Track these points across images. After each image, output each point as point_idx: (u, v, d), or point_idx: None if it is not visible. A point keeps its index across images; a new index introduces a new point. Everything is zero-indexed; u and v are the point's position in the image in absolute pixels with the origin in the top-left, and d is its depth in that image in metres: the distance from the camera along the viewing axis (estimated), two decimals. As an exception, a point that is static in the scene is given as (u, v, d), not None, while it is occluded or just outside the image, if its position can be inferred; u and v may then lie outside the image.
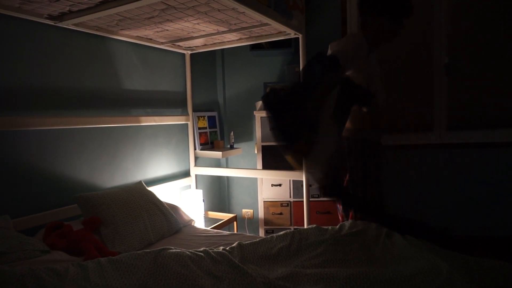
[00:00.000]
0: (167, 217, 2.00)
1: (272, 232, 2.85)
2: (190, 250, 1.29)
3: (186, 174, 2.86)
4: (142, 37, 2.28)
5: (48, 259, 1.40)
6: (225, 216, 2.85)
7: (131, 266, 1.10)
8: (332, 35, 3.07)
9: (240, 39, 2.44)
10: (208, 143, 2.98)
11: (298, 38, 2.31)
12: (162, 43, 2.46)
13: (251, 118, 3.16)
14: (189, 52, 2.76)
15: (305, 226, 2.30)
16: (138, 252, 1.20)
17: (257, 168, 2.89)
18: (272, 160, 2.82)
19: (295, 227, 2.80)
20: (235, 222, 2.86)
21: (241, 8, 1.70)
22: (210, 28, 2.12)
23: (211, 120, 3.09)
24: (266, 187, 2.86)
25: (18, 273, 0.97)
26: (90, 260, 1.15)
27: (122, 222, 1.77)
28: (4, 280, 0.95)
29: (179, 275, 1.09)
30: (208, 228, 2.26)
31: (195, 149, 2.88)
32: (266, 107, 1.49)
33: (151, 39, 2.34)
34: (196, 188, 2.91)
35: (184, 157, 2.85)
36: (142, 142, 2.42)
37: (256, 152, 2.92)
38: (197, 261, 1.19)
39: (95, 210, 1.77)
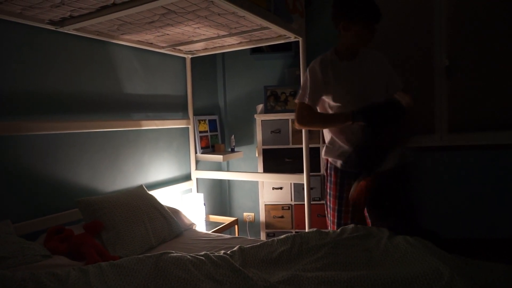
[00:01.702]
0: (168, 221, 1.99)
1: (273, 236, 2.84)
2: (191, 254, 1.28)
3: (187, 177, 2.86)
4: (143, 42, 2.29)
5: (49, 263, 1.40)
6: (226, 219, 2.85)
7: (132, 270, 1.10)
8: (332, 38, 3.06)
9: (241, 42, 2.45)
10: (209, 147, 2.98)
11: (298, 41, 2.31)
12: (162, 47, 2.47)
13: (252, 121, 3.16)
14: (190, 56, 2.77)
15: (307, 229, 2.30)
16: (139, 256, 1.20)
17: (258, 171, 2.89)
18: (273, 163, 2.82)
19: (297, 230, 2.80)
20: (236, 226, 2.86)
21: (241, 12, 1.71)
22: (211, 32, 2.12)
23: (212, 123, 3.09)
24: (267, 191, 2.85)
25: (19, 277, 0.97)
26: (91, 264, 1.15)
27: (123, 226, 1.77)
28: (5, 285, 0.95)
29: (180, 279, 1.09)
30: (209, 232, 2.26)
31: (196, 152, 2.88)
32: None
33: (151, 43, 2.35)
34: (197, 191, 2.91)
35: (185, 161, 2.85)
36: (143, 146, 2.43)
37: (257, 155, 2.92)
38: (198, 265, 1.18)
39: (96, 214, 1.77)
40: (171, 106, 2.71)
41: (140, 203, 1.96)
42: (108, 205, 1.83)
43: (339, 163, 1.77)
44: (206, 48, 2.62)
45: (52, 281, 0.99)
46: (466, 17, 2.92)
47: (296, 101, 1.77)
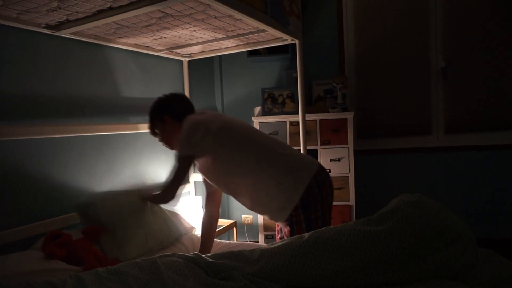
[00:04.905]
0: (168, 225, 1.98)
1: (272, 238, 2.84)
2: (188, 257, 1.27)
3: (185, 180, 2.86)
4: (140, 45, 2.29)
5: (48, 267, 1.39)
6: (224, 222, 2.84)
7: (128, 275, 1.09)
8: (329, 40, 3.09)
9: (238, 45, 2.45)
10: (206, 149, 2.98)
11: (295, 43, 2.32)
12: (159, 51, 2.47)
13: (250, 123, 3.16)
14: (187, 59, 2.77)
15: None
16: (136, 260, 1.19)
17: (256, 173, 2.88)
18: (271, 165, 2.82)
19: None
20: (234, 228, 2.85)
21: (238, 15, 1.71)
22: (207, 35, 2.13)
23: (210, 126, 3.08)
24: (265, 193, 2.85)
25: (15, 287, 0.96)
26: (88, 271, 1.14)
27: (122, 231, 1.75)
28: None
29: (176, 283, 1.08)
30: (208, 235, 2.24)
31: (194, 155, 2.87)
32: None
33: (148, 46, 2.35)
34: (196, 194, 2.90)
35: (183, 164, 2.84)
36: (141, 149, 2.42)
37: (255, 157, 2.92)
38: (193, 269, 1.18)
39: (95, 219, 1.75)
40: (168, 109, 2.71)
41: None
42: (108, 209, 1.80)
43: None
44: (203, 51, 2.62)
45: (48, 291, 0.98)
46: (462, 18, 2.93)
47: None
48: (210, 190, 1.89)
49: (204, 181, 1.87)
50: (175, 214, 2.22)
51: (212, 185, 1.81)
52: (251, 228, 3.27)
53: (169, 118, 1.76)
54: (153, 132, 1.86)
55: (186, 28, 1.94)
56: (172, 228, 1.99)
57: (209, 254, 1.30)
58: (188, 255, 1.25)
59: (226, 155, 1.61)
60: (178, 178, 1.63)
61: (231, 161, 1.61)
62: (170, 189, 1.66)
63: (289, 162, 1.59)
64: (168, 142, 1.83)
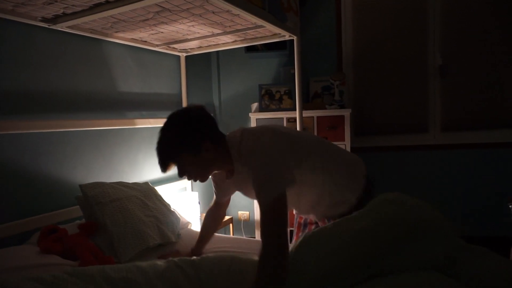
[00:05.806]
0: (165, 221, 1.97)
1: (268, 234, 2.84)
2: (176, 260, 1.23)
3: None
4: (137, 40, 2.28)
5: (43, 262, 1.39)
6: (221, 218, 2.85)
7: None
8: (327, 37, 3.08)
9: (235, 41, 2.44)
10: (203, 145, 2.97)
11: (293, 40, 2.31)
12: (157, 46, 2.46)
13: (247, 120, 3.16)
14: (184, 54, 2.76)
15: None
16: (144, 267, 1.14)
17: (253, 170, 2.88)
18: (268, 162, 2.82)
19: (291, 228, 2.80)
20: (231, 224, 2.86)
21: (236, 10, 1.71)
22: (205, 30, 2.12)
23: (207, 122, 3.08)
24: (262, 189, 2.85)
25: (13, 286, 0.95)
26: (84, 266, 1.12)
27: (119, 226, 1.75)
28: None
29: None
30: (204, 231, 2.25)
31: (190, 151, 2.87)
32: None
33: (146, 41, 2.33)
34: (192, 190, 2.90)
35: (180, 160, 2.84)
36: (138, 145, 2.41)
37: (252, 154, 2.92)
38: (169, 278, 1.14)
39: (93, 214, 1.75)
40: (165, 105, 2.70)
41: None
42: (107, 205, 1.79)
43: None
44: (200, 47, 2.61)
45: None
46: (460, 16, 2.94)
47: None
48: (221, 201, 1.68)
49: (218, 189, 1.64)
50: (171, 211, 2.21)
51: (226, 196, 1.66)
52: (247, 224, 3.27)
53: (211, 144, 1.31)
54: (183, 172, 1.43)
55: (183, 23, 1.93)
56: (168, 224, 1.98)
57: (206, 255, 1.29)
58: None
59: (302, 176, 1.31)
60: (283, 231, 1.17)
61: (305, 179, 1.33)
62: (279, 255, 1.11)
63: (345, 160, 1.53)
64: (203, 173, 1.40)
